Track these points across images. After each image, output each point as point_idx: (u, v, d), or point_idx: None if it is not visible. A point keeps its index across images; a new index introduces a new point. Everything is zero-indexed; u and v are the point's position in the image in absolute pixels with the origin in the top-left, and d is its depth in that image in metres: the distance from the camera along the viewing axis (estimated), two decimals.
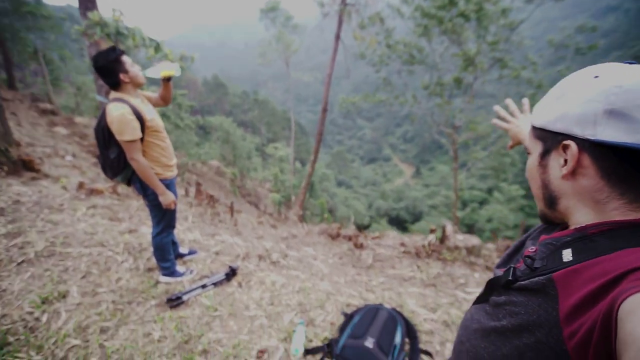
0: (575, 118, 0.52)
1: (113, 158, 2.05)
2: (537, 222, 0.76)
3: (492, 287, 0.69)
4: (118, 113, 1.92)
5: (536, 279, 0.56)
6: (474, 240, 3.73)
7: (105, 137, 2.01)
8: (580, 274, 0.50)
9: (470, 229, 22.87)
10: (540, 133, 0.61)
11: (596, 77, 0.52)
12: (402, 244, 4.07)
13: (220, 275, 2.70)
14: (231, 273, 2.76)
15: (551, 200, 0.62)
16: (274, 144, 27.34)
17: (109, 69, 1.96)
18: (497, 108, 1.06)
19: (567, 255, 0.55)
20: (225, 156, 24.61)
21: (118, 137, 1.96)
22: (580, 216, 0.57)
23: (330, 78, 10.92)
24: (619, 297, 0.41)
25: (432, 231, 4.08)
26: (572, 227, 0.59)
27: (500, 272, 0.69)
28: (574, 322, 0.47)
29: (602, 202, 0.54)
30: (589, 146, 0.51)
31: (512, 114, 1.03)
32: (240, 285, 2.69)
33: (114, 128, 1.93)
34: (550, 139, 0.58)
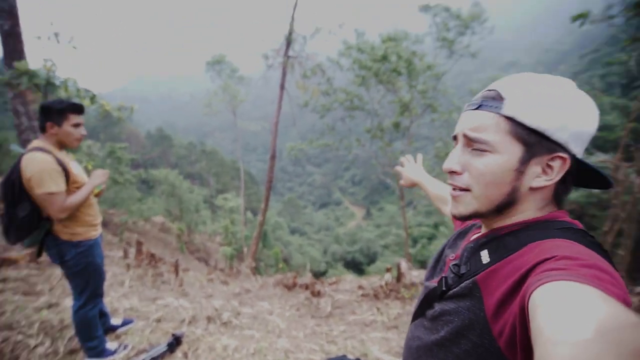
0: (575, 133, 0.51)
1: (23, 217, 1.75)
2: None
3: (428, 301, 0.68)
4: (39, 162, 1.70)
5: (464, 283, 0.58)
6: None
7: (15, 191, 1.73)
8: (498, 273, 0.52)
9: (423, 264, 23.46)
10: (528, 135, 0.52)
11: (584, 96, 0.53)
12: (360, 287, 3.97)
13: (162, 347, 2.35)
14: (175, 342, 2.42)
15: (506, 206, 0.57)
16: (224, 195, 26.50)
17: (45, 112, 1.83)
18: (402, 159, 1.35)
19: (485, 256, 0.57)
20: (171, 211, 23.12)
21: (38, 190, 1.69)
22: (515, 219, 0.59)
23: (276, 126, 11.17)
24: (527, 293, 0.42)
25: (387, 270, 4.07)
26: (487, 230, 0.63)
27: (433, 283, 0.68)
28: (500, 320, 0.48)
29: (541, 208, 0.57)
30: (572, 162, 0.53)
31: (408, 162, 1.33)
32: (185, 355, 2.36)
33: (34, 180, 1.68)
34: (542, 146, 0.52)
